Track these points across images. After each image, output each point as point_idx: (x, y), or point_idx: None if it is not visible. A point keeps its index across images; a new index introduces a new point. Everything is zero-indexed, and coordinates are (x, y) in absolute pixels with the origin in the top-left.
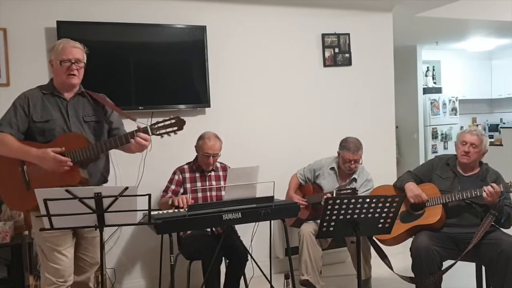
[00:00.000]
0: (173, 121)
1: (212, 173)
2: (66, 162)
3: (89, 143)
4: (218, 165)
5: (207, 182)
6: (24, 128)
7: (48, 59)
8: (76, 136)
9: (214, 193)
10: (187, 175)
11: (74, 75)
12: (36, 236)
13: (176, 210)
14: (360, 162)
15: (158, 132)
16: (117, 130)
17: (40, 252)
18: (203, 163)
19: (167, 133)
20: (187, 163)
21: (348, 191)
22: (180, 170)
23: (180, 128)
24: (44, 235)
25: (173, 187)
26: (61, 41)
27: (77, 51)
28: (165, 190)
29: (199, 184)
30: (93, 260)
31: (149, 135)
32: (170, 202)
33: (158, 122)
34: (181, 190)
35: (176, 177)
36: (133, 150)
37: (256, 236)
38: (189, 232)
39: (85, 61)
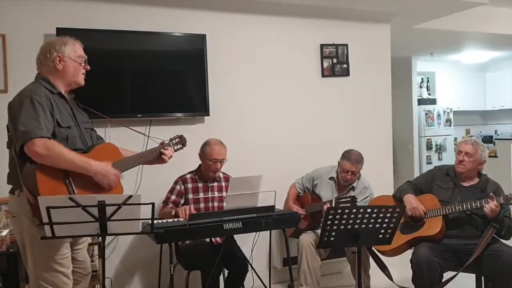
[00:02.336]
0: (179, 139)
1: (215, 184)
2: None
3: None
4: (221, 175)
5: (210, 193)
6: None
7: (52, 55)
8: (110, 147)
9: (216, 204)
10: (189, 185)
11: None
12: (35, 260)
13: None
14: (358, 175)
15: (175, 148)
16: (102, 140)
17: (34, 279)
18: (209, 171)
19: (178, 149)
20: (190, 173)
21: (347, 199)
22: (182, 180)
23: (185, 145)
24: (52, 255)
25: (173, 197)
26: (73, 39)
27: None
28: (165, 201)
29: (201, 194)
30: (86, 271)
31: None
32: (173, 213)
33: (172, 139)
34: (182, 201)
35: (178, 187)
36: (152, 163)
37: (255, 246)
38: (187, 242)
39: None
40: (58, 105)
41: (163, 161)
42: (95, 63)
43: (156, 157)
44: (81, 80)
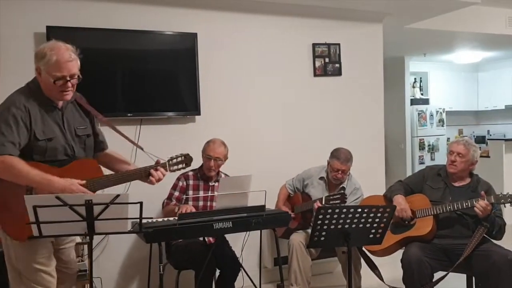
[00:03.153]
0: (183, 158)
1: (216, 184)
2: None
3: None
4: (223, 176)
5: (209, 192)
6: (24, 145)
7: (35, 65)
8: (90, 163)
9: (215, 204)
10: (191, 182)
11: (69, 91)
12: (15, 257)
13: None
14: (348, 174)
15: (172, 168)
16: (102, 143)
17: (15, 276)
18: (206, 167)
19: (178, 169)
20: (192, 170)
21: (337, 196)
22: (185, 176)
23: (189, 165)
24: (30, 255)
25: (176, 193)
26: (52, 51)
27: (73, 65)
28: (169, 198)
29: (201, 193)
30: (73, 271)
31: (166, 170)
32: (176, 210)
33: (172, 158)
34: (184, 197)
35: (180, 183)
36: (143, 180)
37: (245, 246)
38: (179, 240)
39: (79, 71)
40: (43, 115)
41: (150, 182)
42: (86, 62)
43: (144, 176)
44: (58, 96)
